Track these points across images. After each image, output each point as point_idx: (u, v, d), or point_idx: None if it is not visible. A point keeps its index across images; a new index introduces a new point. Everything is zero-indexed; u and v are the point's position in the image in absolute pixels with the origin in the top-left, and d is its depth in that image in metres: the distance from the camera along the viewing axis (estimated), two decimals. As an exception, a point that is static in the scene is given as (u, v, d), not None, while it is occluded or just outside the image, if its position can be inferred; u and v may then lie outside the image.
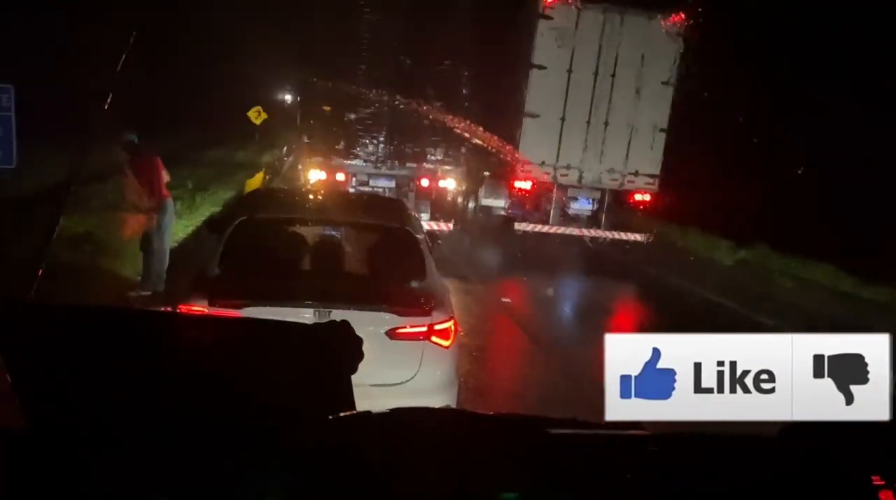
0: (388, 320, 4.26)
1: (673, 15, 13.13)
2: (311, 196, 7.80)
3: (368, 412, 1.08)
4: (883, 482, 1.12)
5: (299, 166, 13.71)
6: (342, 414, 1.11)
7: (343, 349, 1.29)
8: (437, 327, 4.45)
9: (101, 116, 2.10)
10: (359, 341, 1.32)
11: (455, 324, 4.63)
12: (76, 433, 1.10)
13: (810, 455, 1.22)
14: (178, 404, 1.16)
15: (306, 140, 13.18)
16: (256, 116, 27.90)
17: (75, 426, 1.11)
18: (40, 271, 1.62)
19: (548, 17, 13.07)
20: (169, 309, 4.04)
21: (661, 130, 13.58)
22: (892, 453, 1.20)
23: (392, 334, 4.28)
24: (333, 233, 5.46)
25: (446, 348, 4.51)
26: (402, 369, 4.31)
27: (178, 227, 11.42)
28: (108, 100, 2.13)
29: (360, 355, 1.30)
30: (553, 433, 1.26)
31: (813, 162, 14.48)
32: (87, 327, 1.25)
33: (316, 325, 1.37)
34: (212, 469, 1.06)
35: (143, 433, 1.09)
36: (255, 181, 15.80)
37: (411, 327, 4.36)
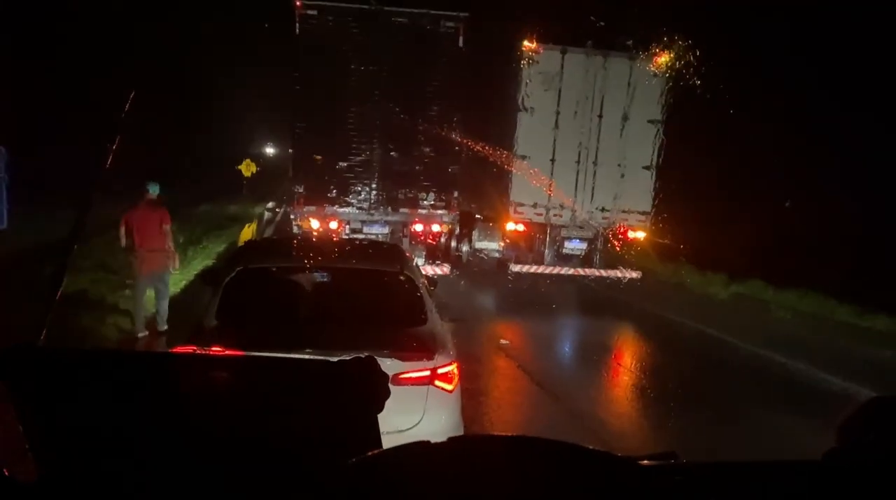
0: (390, 365, 4.18)
1: (655, 55, 13.42)
2: (306, 244, 7.77)
3: (427, 442, 1.01)
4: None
5: (292, 216, 13.70)
6: (386, 449, 1.04)
7: (369, 386, 1.24)
8: (441, 370, 4.38)
9: (101, 173, 2.07)
10: (385, 378, 1.26)
11: (458, 367, 4.56)
12: (91, 484, 1.03)
13: (865, 479, 1.17)
14: (198, 451, 1.10)
15: (298, 189, 13.20)
16: (246, 168, 28.13)
17: (91, 475, 1.05)
18: (44, 333, 1.58)
19: (534, 62, 13.34)
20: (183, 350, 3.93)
21: (651, 168, 13.75)
22: None
23: (395, 379, 4.20)
24: (331, 280, 5.41)
25: (450, 392, 4.43)
26: (407, 415, 4.23)
27: (171, 281, 11.37)
28: (109, 157, 2.11)
29: (387, 393, 1.25)
30: (645, 466, 1.18)
31: (802, 194, 14.62)
32: (102, 371, 1.20)
33: (341, 361, 1.31)
34: None
35: (162, 483, 1.03)
36: (249, 232, 15.79)
37: (414, 371, 4.29)
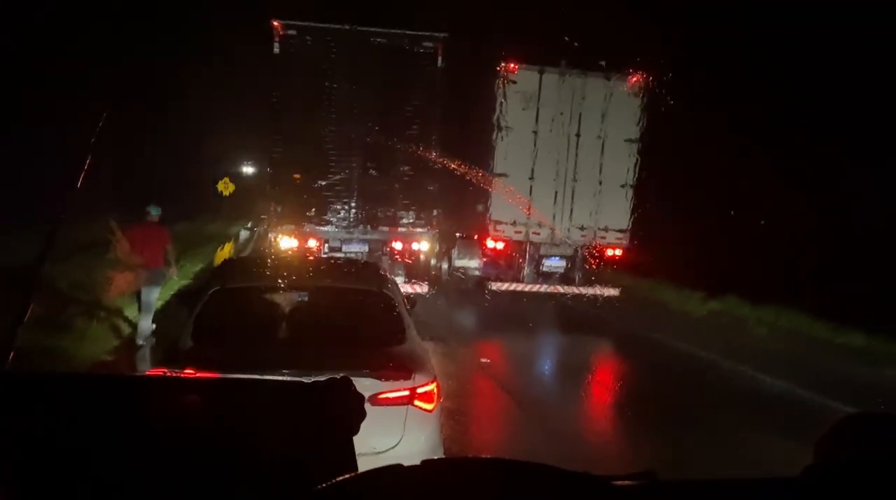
0: (369, 385, 4.13)
1: (631, 75, 13.63)
2: (283, 263, 7.71)
3: (399, 465, 0.98)
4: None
5: (270, 235, 13.61)
6: (365, 472, 1.01)
7: (344, 407, 1.21)
8: (420, 390, 4.35)
9: (74, 194, 2.03)
10: (361, 398, 1.24)
11: (437, 387, 4.52)
12: None
13: (840, 495, 1.17)
14: (166, 475, 1.07)
15: (277, 208, 13.13)
16: (225, 187, 27.94)
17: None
18: (11, 355, 1.53)
19: (512, 82, 13.46)
20: (158, 372, 3.85)
21: (628, 186, 13.90)
22: None
23: (374, 399, 4.15)
24: (309, 299, 5.35)
25: (430, 411, 4.39)
26: (385, 436, 4.18)
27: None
28: (81, 177, 2.08)
29: (363, 414, 1.22)
30: (622, 486, 1.16)
31: (777, 211, 14.84)
32: (70, 395, 1.17)
33: (315, 382, 1.28)
34: None
35: None
36: (226, 252, 15.65)
37: (393, 391, 4.25)
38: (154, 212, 9.30)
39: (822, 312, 12.64)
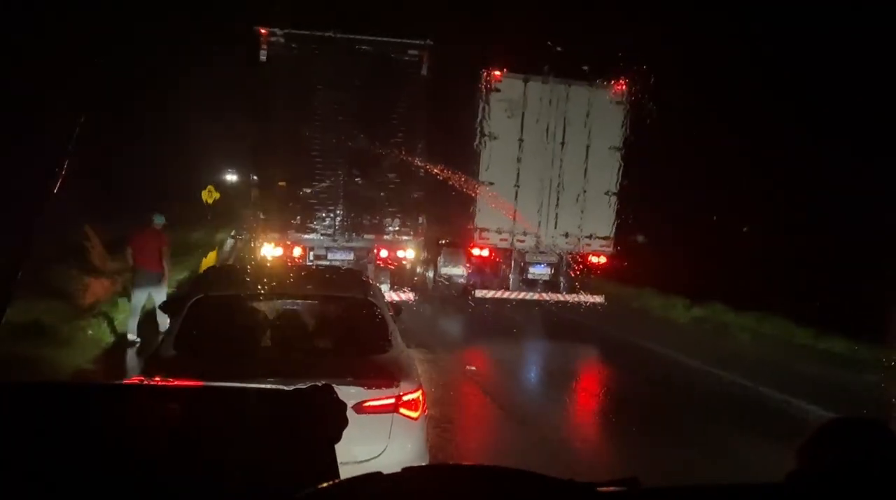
0: (354, 393, 4.11)
1: (616, 83, 13.73)
2: (268, 271, 7.67)
3: (378, 473, 0.97)
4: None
5: (255, 243, 13.53)
6: (343, 479, 0.99)
7: (325, 415, 1.20)
8: (406, 398, 4.33)
9: (50, 199, 2.00)
10: (342, 406, 1.22)
11: (423, 394, 4.50)
12: None
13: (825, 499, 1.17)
14: (149, 483, 1.05)
15: (261, 216, 13.06)
16: (208, 195, 27.76)
17: None
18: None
19: (496, 90, 13.52)
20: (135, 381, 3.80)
21: (613, 194, 13.98)
22: None
23: (359, 408, 4.13)
24: (294, 307, 5.32)
25: (415, 419, 4.37)
26: (370, 445, 4.15)
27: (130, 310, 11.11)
28: (58, 183, 2.05)
29: (345, 422, 1.21)
30: (606, 492, 1.15)
31: (760, 219, 14.98)
32: (47, 403, 1.15)
33: (296, 389, 1.27)
34: None
35: None
36: (210, 260, 15.54)
37: (379, 399, 4.23)
38: (158, 220, 10.00)
39: (804, 318, 12.76)
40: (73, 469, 1.11)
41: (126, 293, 10.42)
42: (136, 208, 9.61)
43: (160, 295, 9.65)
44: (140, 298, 9.73)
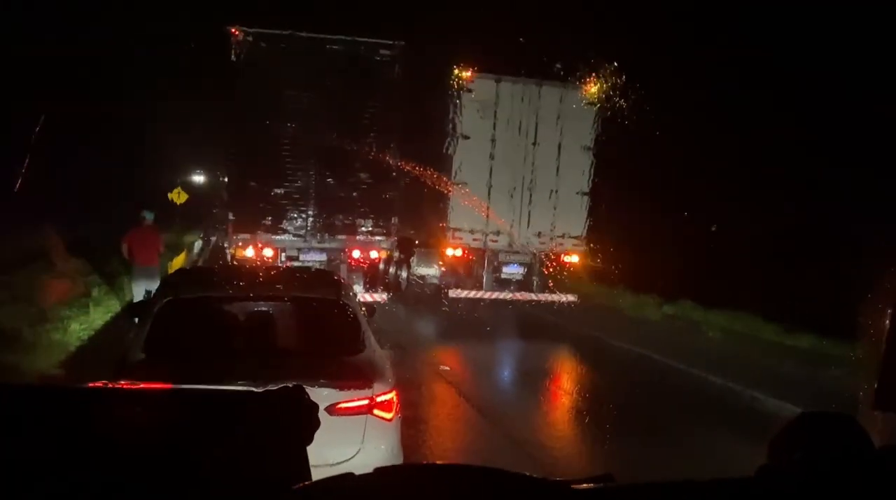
0: (327, 395, 4.08)
1: (587, 84, 13.84)
2: (239, 272, 7.58)
3: (351, 474, 0.95)
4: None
5: (225, 244, 13.36)
6: (315, 481, 0.97)
7: (296, 416, 1.18)
8: (379, 399, 4.30)
9: (11, 201, 1.95)
10: (314, 407, 1.20)
11: (397, 395, 4.48)
12: None
13: (798, 494, 1.18)
14: (113, 488, 1.02)
15: (231, 217, 12.90)
16: (177, 196, 27.34)
17: None
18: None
19: (468, 90, 13.55)
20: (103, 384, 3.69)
21: (585, 194, 14.09)
22: (880, 487, 1.18)
23: (332, 410, 4.10)
24: (265, 309, 5.25)
25: (389, 420, 4.35)
26: (344, 447, 4.12)
27: (97, 313, 10.92)
28: (18, 185, 2.00)
29: (316, 423, 1.19)
30: (580, 489, 1.15)
31: (728, 218, 15.19)
32: (10, 407, 1.11)
33: (266, 391, 1.24)
34: None
35: None
36: (179, 262, 15.31)
37: (352, 401, 4.20)
38: (148, 216, 10.63)
39: (772, 315, 12.98)
40: (31, 475, 1.08)
41: (90, 295, 10.95)
42: (101, 210, 9.45)
43: (144, 288, 9.98)
44: (138, 293, 10.05)
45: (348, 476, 0.94)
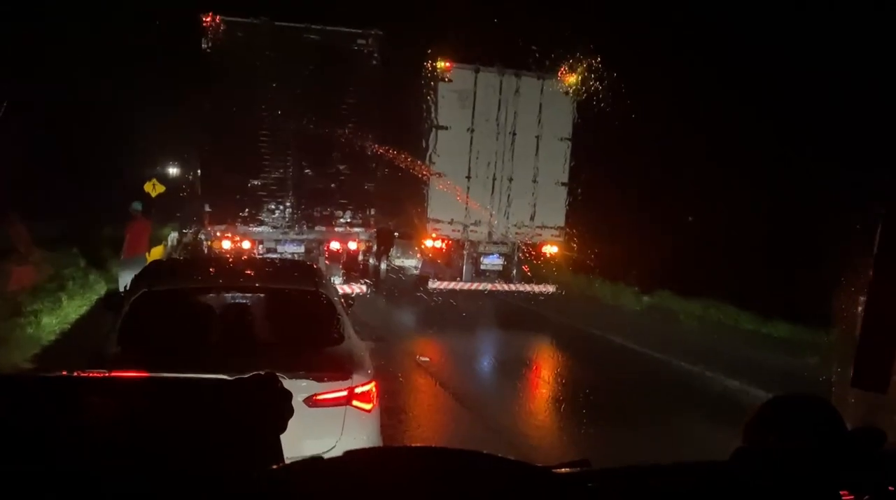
0: (305, 386, 4.06)
1: (564, 74, 13.85)
2: (216, 264, 7.50)
3: (320, 457, 0.93)
4: (852, 497, 1.11)
5: (202, 236, 13.22)
6: (283, 464, 0.96)
7: (269, 404, 1.16)
8: (358, 390, 4.29)
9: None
10: (287, 396, 1.19)
11: (376, 386, 4.47)
12: None
13: (772, 475, 1.19)
14: (83, 477, 0.99)
15: (208, 209, 12.75)
16: (152, 188, 26.97)
17: None
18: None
19: (447, 80, 13.50)
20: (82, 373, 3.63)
21: (563, 184, 14.14)
22: (852, 467, 1.19)
23: (311, 401, 4.08)
24: (242, 300, 5.21)
25: (368, 411, 4.34)
26: (322, 438, 4.09)
27: (71, 307, 10.75)
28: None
29: (290, 411, 1.18)
30: (559, 473, 1.15)
31: (704, 207, 15.33)
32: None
33: (238, 379, 1.22)
34: None
35: None
36: (156, 254, 15.12)
37: (331, 392, 4.18)
38: (137, 207, 11.38)
39: (749, 304, 13.14)
40: (9, 463, 1.06)
41: (61, 286, 11.27)
42: (75, 204, 9.29)
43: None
44: (126, 278, 10.31)
45: (317, 459, 0.93)
